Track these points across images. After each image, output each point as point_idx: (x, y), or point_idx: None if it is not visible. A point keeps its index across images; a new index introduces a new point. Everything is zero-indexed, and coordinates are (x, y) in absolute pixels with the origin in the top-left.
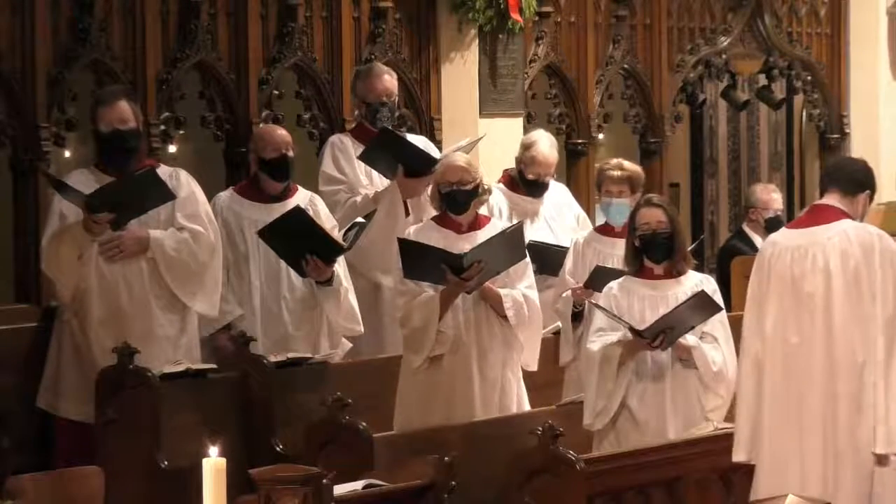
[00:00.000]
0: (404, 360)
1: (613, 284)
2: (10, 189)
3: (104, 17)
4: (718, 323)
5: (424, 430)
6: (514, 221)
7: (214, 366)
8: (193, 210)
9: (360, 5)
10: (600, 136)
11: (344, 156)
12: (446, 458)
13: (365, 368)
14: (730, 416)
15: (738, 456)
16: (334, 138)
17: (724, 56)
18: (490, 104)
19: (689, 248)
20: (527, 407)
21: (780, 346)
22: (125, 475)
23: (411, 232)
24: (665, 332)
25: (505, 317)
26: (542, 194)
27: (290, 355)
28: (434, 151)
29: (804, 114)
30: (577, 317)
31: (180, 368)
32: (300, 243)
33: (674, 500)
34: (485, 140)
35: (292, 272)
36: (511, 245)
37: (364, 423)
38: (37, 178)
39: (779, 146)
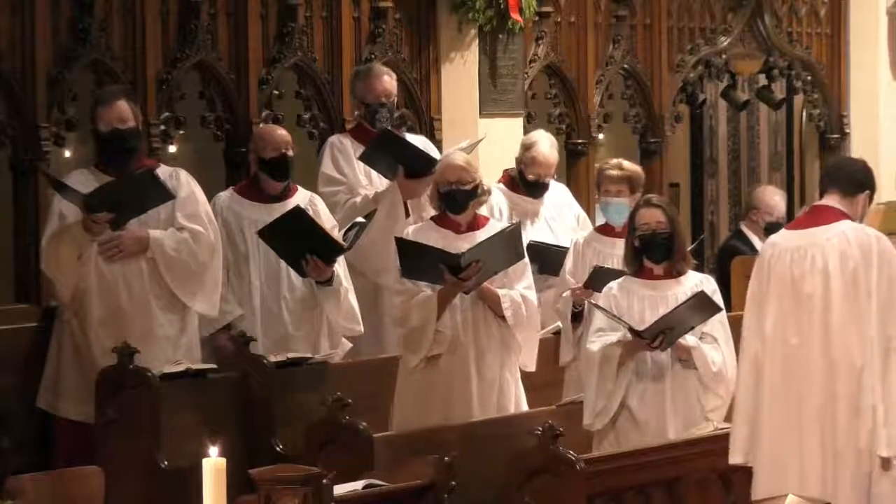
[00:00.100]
0: (402, 359)
1: (613, 285)
2: (10, 189)
3: (104, 17)
4: (718, 323)
5: (424, 430)
6: (514, 221)
7: (214, 366)
8: (193, 210)
9: (360, 5)
10: (600, 136)
11: (343, 156)
12: (446, 458)
13: (365, 368)
14: (729, 417)
15: (735, 458)
16: (333, 139)
17: (724, 56)
18: (490, 104)
19: (689, 248)
20: (524, 407)
21: (780, 346)
22: (125, 475)
23: (410, 231)
24: (665, 333)
25: (503, 317)
26: (543, 195)
27: (290, 355)
28: (433, 151)
29: (804, 114)
30: (577, 317)
31: (180, 368)
32: (300, 243)
33: (674, 500)
34: (485, 140)
35: (292, 272)
36: (509, 245)
37: (364, 423)
38: (37, 178)
39: (779, 146)
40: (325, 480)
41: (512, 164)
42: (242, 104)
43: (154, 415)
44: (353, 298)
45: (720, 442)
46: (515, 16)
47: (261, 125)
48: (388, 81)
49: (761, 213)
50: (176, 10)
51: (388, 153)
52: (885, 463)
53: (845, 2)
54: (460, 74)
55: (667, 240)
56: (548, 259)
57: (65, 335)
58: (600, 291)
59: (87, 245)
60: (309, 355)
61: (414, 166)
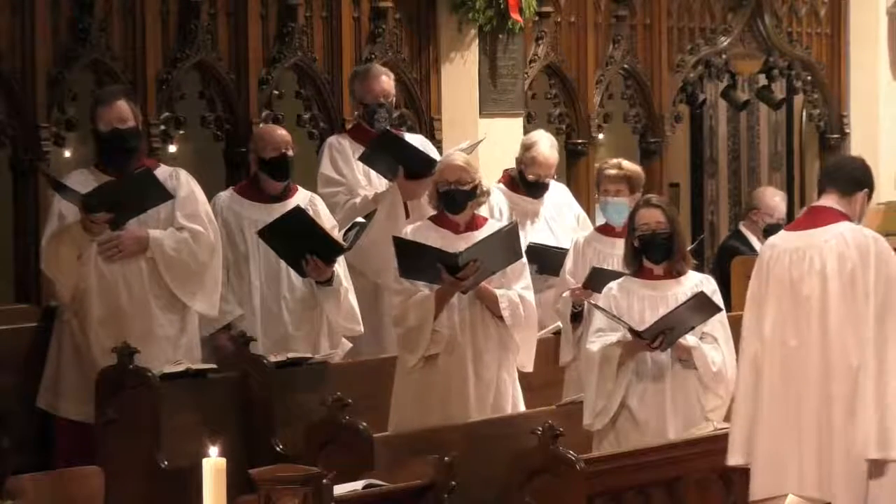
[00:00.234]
0: (399, 359)
1: (613, 285)
2: (10, 189)
3: (104, 17)
4: (718, 323)
5: (424, 431)
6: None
7: (214, 366)
8: (193, 210)
9: (360, 5)
10: (600, 136)
11: (342, 157)
12: (446, 458)
13: (365, 368)
14: (729, 417)
15: (734, 459)
16: (332, 140)
17: (724, 56)
18: (490, 104)
19: (689, 249)
20: (522, 408)
21: (779, 348)
22: (125, 475)
23: (408, 231)
24: (665, 333)
25: (500, 317)
26: (543, 195)
27: (290, 355)
28: (432, 150)
29: (804, 114)
30: (577, 317)
31: (180, 368)
32: (300, 243)
33: (674, 500)
34: (485, 140)
35: (292, 272)
36: (506, 244)
37: (364, 423)
38: (37, 178)
39: (779, 146)
40: (325, 480)
41: (512, 164)
42: (242, 104)
43: (154, 415)
44: (353, 298)
45: (720, 442)
46: (515, 16)
47: (261, 125)
48: (387, 82)
49: (761, 214)
50: (176, 10)
51: (387, 154)
52: (878, 464)
53: (845, 2)
54: (460, 74)
55: (667, 240)
56: (548, 260)
57: (65, 335)
58: (599, 292)
59: (86, 245)
60: (309, 355)
61: (414, 167)
